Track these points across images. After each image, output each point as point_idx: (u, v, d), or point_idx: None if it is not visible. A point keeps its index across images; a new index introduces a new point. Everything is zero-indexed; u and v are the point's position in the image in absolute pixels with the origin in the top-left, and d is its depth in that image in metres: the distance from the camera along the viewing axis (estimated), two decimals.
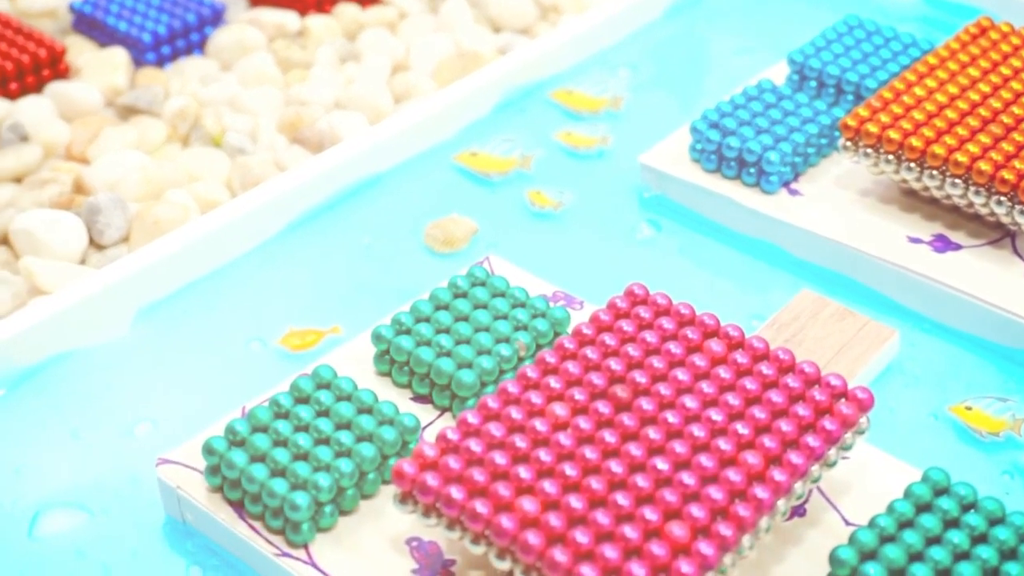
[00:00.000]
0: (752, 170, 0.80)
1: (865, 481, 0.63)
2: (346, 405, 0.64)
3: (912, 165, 0.75)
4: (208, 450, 0.62)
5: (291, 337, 0.74)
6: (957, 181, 0.74)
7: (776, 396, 0.60)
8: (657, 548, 0.53)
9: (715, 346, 0.62)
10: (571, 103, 0.92)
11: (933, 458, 0.64)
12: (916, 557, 0.57)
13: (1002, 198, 0.72)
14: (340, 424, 0.63)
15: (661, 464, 0.56)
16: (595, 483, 0.56)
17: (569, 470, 0.56)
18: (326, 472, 0.60)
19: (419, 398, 0.67)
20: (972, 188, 0.73)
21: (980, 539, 0.57)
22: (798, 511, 0.62)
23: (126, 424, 0.69)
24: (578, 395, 0.60)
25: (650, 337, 0.63)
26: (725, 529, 0.54)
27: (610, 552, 0.53)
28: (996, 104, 0.77)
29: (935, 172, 0.74)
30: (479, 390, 0.66)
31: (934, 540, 0.57)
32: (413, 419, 0.64)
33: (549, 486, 0.56)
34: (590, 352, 0.62)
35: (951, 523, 0.58)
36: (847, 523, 0.61)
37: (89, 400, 0.71)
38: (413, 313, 0.69)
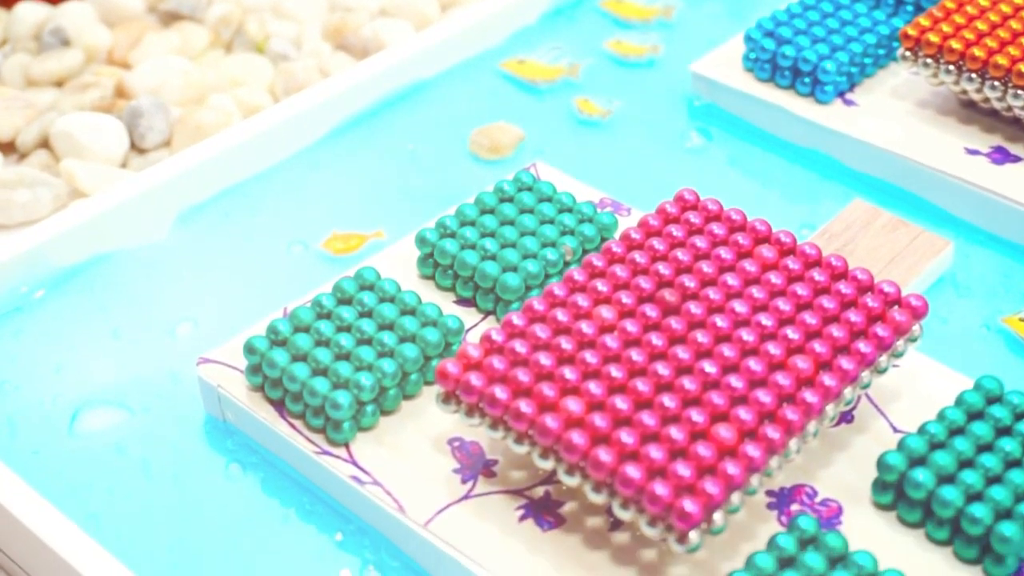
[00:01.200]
0: (807, 79, 0.78)
1: (915, 389, 0.62)
2: (389, 306, 0.63)
3: (973, 76, 0.73)
4: (249, 349, 0.61)
5: (334, 241, 0.74)
6: (1020, 92, 0.72)
7: (828, 302, 0.59)
8: (703, 449, 0.52)
9: (766, 252, 0.61)
10: (622, 12, 0.91)
11: (985, 369, 0.63)
12: (966, 464, 0.56)
13: None
14: (383, 325, 0.62)
15: (709, 367, 0.55)
16: (641, 385, 0.55)
17: (615, 371, 0.55)
18: (368, 372, 0.60)
19: (462, 301, 0.66)
20: None
21: None
22: (846, 417, 0.61)
23: (167, 324, 0.69)
24: (625, 298, 0.59)
25: (700, 242, 0.61)
26: (773, 432, 0.53)
27: (655, 452, 0.52)
28: None
29: (996, 83, 0.72)
30: (523, 294, 0.65)
31: (985, 448, 0.56)
32: (457, 321, 0.63)
33: (595, 387, 0.55)
34: (638, 256, 0.61)
35: (1003, 431, 0.57)
36: (895, 430, 0.60)
37: (130, 300, 0.70)
38: (458, 217, 0.68)
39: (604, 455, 0.53)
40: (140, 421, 0.64)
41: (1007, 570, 0.53)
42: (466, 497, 0.57)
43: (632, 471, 0.52)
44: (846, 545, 0.53)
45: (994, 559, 0.53)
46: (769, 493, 0.57)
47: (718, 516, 0.52)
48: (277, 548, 0.58)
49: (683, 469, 0.52)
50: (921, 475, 0.55)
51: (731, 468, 0.52)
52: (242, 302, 0.69)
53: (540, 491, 0.58)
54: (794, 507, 0.57)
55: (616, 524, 0.56)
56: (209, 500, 0.60)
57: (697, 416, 0.54)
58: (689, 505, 0.51)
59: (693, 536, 0.51)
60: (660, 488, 0.51)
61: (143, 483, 0.61)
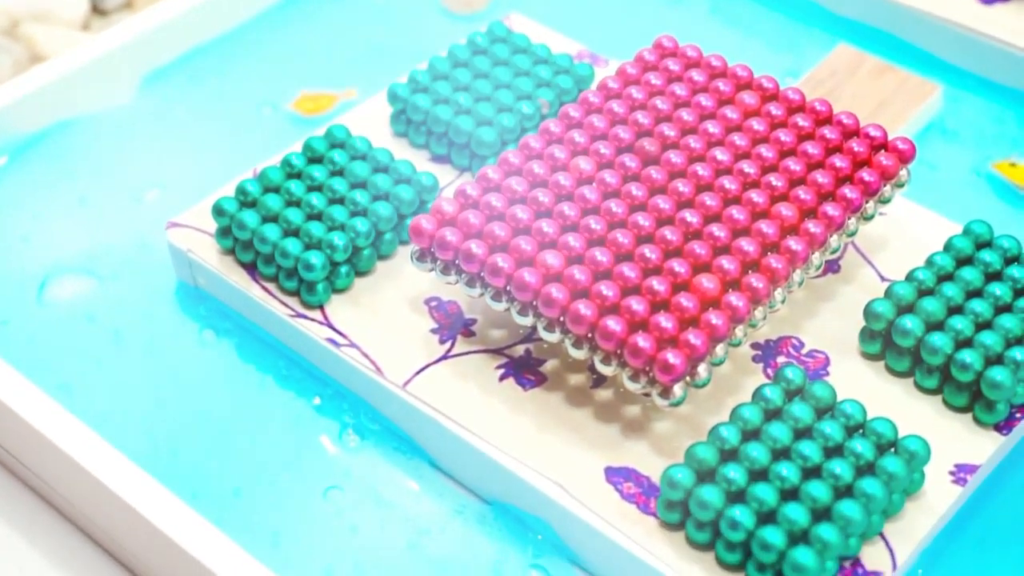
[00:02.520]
0: None
1: (903, 237, 0.60)
2: (361, 164, 0.61)
3: None
4: (218, 211, 0.59)
5: (304, 101, 0.71)
6: None
7: (812, 148, 0.57)
8: (686, 301, 0.51)
9: (748, 98, 0.59)
10: None
11: (974, 216, 0.61)
12: (955, 310, 0.54)
13: None
14: (355, 184, 0.60)
15: (690, 217, 0.54)
16: (621, 237, 0.53)
17: (594, 224, 0.54)
18: (341, 231, 0.58)
19: (437, 159, 0.64)
20: None
21: (1023, 292, 0.55)
22: (832, 267, 0.59)
23: (134, 190, 0.67)
24: (603, 149, 0.57)
25: (679, 90, 0.59)
26: (756, 282, 0.52)
27: (637, 305, 0.51)
28: None
29: None
30: (499, 149, 0.63)
31: (975, 293, 0.55)
32: (431, 178, 0.61)
33: (573, 240, 0.53)
34: (616, 106, 0.59)
35: (993, 276, 0.56)
36: (883, 279, 0.58)
37: (96, 166, 0.68)
38: (430, 71, 0.66)
39: (584, 309, 0.51)
40: (110, 289, 0.62)
41: (998, 416, 0.52)
42: (445, 357, 0.56)
43: (613, 324, 0.51)
44: (834, 395, 0.51)
45: (985, 406, 0.52)
46: (754, 346, 0.56)
47: (702, 368, 0.51)
48: (255, 414, 0.57)
49: (665, 321, 0.51)
50: (909, 322, 0.54)
51: (714, 319, 0.51)
52: (211, 166, 0.67)
53: (520, 350, 0.56)
54: (780, 359, 0.56)
55: (599, 381, 0.55)
56: (183, 368, 0.59)
57: (679, 267, 0.52)
58: (672, 357, 0.50)
59: (677, 389, 0.50)
60: (642, 341, 0.50)
61: (115, 352, 0.60)
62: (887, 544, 0.49)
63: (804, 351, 0.56)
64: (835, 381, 0.54)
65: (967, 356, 0.52)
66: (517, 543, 0.52)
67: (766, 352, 0.56)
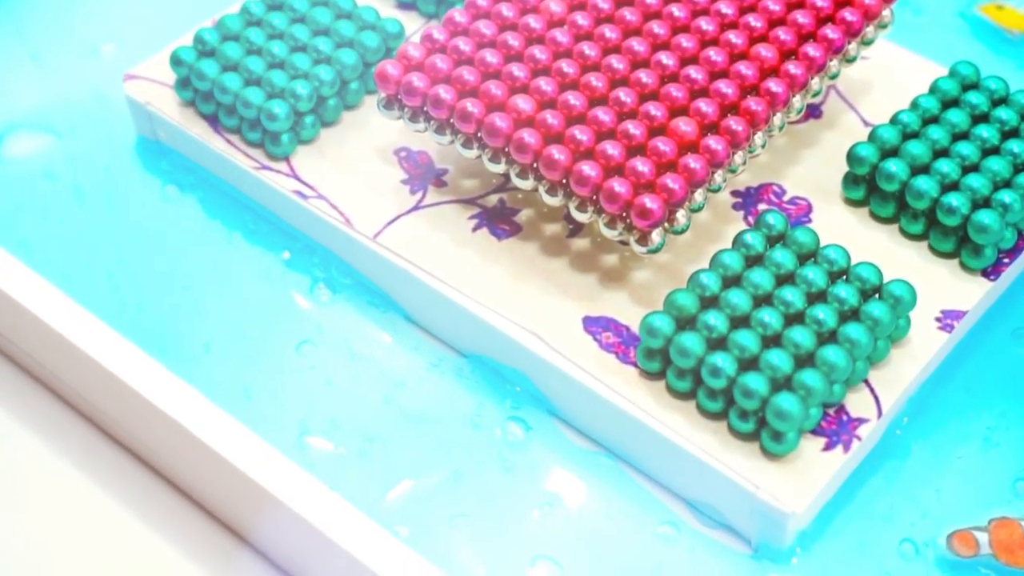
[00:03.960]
0: None
1: (887, 80, 0.58)
2: (323, 11, 0.58)
3: None
4: (176, 61, 0.57)
5: None
6: None
7: None
8: (663, 145, 0.49)
9: None
10: None
11: (960, 59, 0.59)
12: (941, 153, 0.53)
13: None
14: (317, 31, 0.58)
15: (666, 59, 0.52)
16: (595, 80, 0.51)
17: (567, 67, 0.51)
18: (304, 80, 0.56)
19: (403, 6, 0.62)
20: None
21: (1011, 134, 0.53)
22: (814, 112, 0.57)
23: (89, 44, 0.64)
24: None
25: None
26: (736, 125, 0.50)
27: (612, 150, 0.49)
28: None
29: None
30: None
31: (961, 136, 0.53)
32: (396, 24, 0.59)
33: (545, 84, 0.51)
34: None
35: (979, 118, 0.54)
36: (866, 124, 0.57)
37: (48, 21, 0.66)
38: None
39: (558, 154, 0.49)
40: (68, 145, 0.60)
41: (985, 262, 0.51)
42: (416, 208, 0.54)
43: (588, 169, 0.49)
44: (817, 240, 0.50)
45: (972, 251, 0.51)
46: (735, 193, 0.55)
47: (680, 214, 0.49)
48: (223, 270, 0.55)
49: (642, 165, 0.49)
50: (894, 166, 0.52)
51: (693, 163, 0.49)
52: (168, 18, 0.65)
53: (494, 199, 0.54)
54: (761, 207, 0.54)
55: (575, 230, 0.53)
56: (147, 224, 0.57)
57: (655, 111, 0.50)
58: (649, 202, 0.48)
59: (655, 235, 0.49)
60: (618, 185, 0.48)
61: (76, 209, 0.58)
62: (872, 391, 0.48)
63: (786, 198, 0.54)
64: (818, 228, 0.53)
65: (953, 199, 0.51)
66: (494, 395, 0.51)
67: (747, 200, 0.54)
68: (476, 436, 0.50)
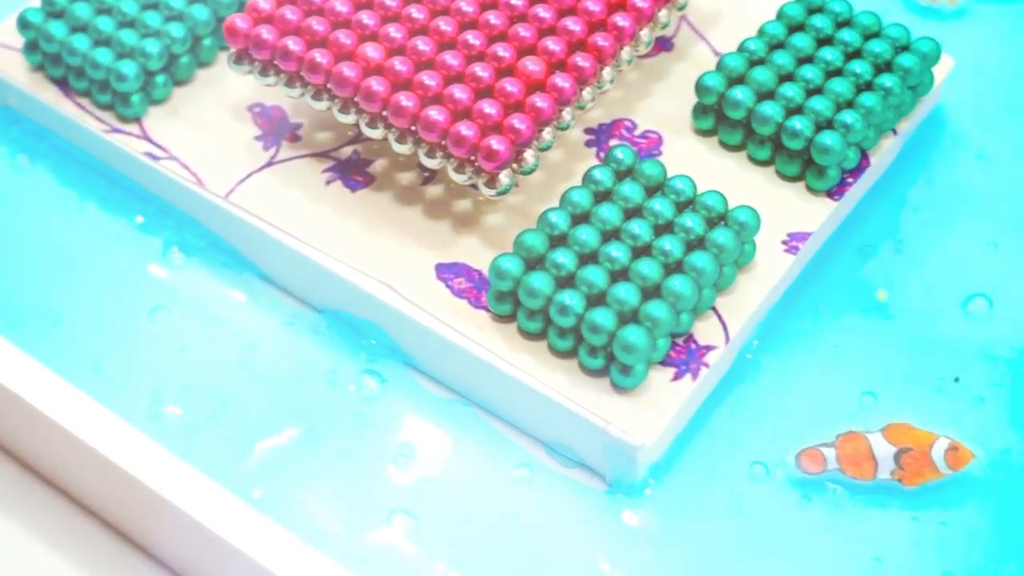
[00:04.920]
0: None
1: (737, 10, 0.58)
2: None
3: None
4: (24, 24, 0.56)
5: None
6: None
7: None
8: (510, 86, 0.49)
9: None
10: None
11: None
12: (787, 79, 0.53)
13: None
14: None
15: (515, 0, 0.52)
16: (444, 25, 0.51)
17: (416, 13, 0.51)
18: (155, 38, 0.55)
19: None
20: None
21: (854, 55, 0.54)
22: (665, 45, 0.58)
23: None
24: None
25: None
26: (583, 61, 0.50)
27: (460, 94, 0.49)
28: None
29: None
30: None
31: (806, 60, 0.54)
32: None
33: (394, 32, 0.51)
34: None
35: (824, 41, 0.54)
36: (716, 54, 0.57)
37: None
38: None
39: (405, 101, 0.49)
40: None
41: (829, 182, 0.52)
42: (269, 164, 0.54)
43: (435, 114, 0.49)
44: (664, 172, 0.50)
45: (816, 172, 0.52)
46: (587, 131, 0.55)
47: (528, 154, 0.49)
48: (74, 238, 0.54)
49: (489, 108, 0.49)
50: (740, 93, 0.52)
51: (539, 102, 0.49)
52: None
53: (348, 151, 0.54)
54: (613, 142, 0.54)
55: (430, 178, 0.53)
56: None
57: (503, 52, 0.50)
58: (496, 143, 0.48)
59: (503, 177, 0.49)
60: (465, 129, 0.49)
61: None
62: (719, 318, 0.49)
63: (637, 132, 0.55)
64: (669, 160, 0.53)
65: (797, 123, 0.51)
66: (350, 350, 0.51)
67: (599, 136, 0.55)
68: (331, 393, 0.50)
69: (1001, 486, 0.47)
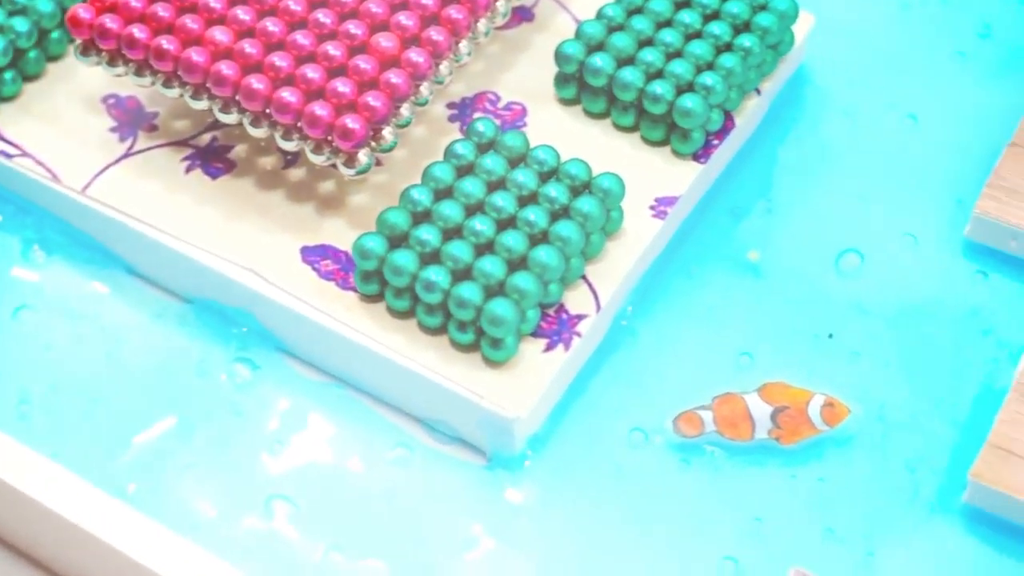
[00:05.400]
0: None
1: None
2: None
3: None
4: None
5: None
6: None
7: None
8: (364, 63, 0.48)
9: None
10: None
11: None
12: (646, 43, 0.53)
13: None
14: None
15: None
16: (293, 4, 0.50)
17: None
18: None
19: None
20: None
21: (713, 16, 0.53)
22: (525, 16, 0.57)
23: None
24: None
25: None
26: (437, 35, 0.50)
27: (312, 73, 0.48)
28: None
29: None
30: None
31: (665, 24, 0.53)
32: None
33: (243, 13, 0.50)
34: None
35: (682, 5, 0.54)
36: (577, 22, 0.56)
37: None
38: None
39: (256, 84, 0.48)
40: None
41: (694, 145, 0.52)
42: (126, 156, 0.53)
43: (288, 96, 0.48)
44: (526, 143, 0.50)
45: (680, 136, 0.51)
46: (450, 105, 0.54)
47: (387, 132, 0.48)
48: None
49: (342, 86, 0.48)
50: (600, 60, 0.52)
51: (394, 78, 0.48)
52: None
53: (207, 138, 0.53)
54: (477, 116, 0.54)
55: (292, 161, 0.52)
56: None
57: (355, 29, 0.49)
58: (351, 122, 0.47)
59: (361, 156, 0.48)
60: (319, 109, 0.48)
61: None
62: (590, 286, 0.48)
63: (501, 104, 0.54)
64: (534, 131, 0.53)
65: (658, 87, 0.51)
66: (220, 339, 0.50)
67: (462, 110, 0.54)
68: (203, 383, 0.49)
69: (877, 440, 0.48)
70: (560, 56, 0.53)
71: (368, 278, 0.48)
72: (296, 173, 0.52)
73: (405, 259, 0.47)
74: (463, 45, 0.51)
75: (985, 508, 0.45)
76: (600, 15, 0.54)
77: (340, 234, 0.50)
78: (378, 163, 0.51)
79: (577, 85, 0.53)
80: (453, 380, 0.46)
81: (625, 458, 0.47)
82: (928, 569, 0.45)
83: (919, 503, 0.46)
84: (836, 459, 0.47)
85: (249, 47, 0.49)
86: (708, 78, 0.51)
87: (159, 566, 0.43)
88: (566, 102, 0.54)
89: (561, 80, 0.53)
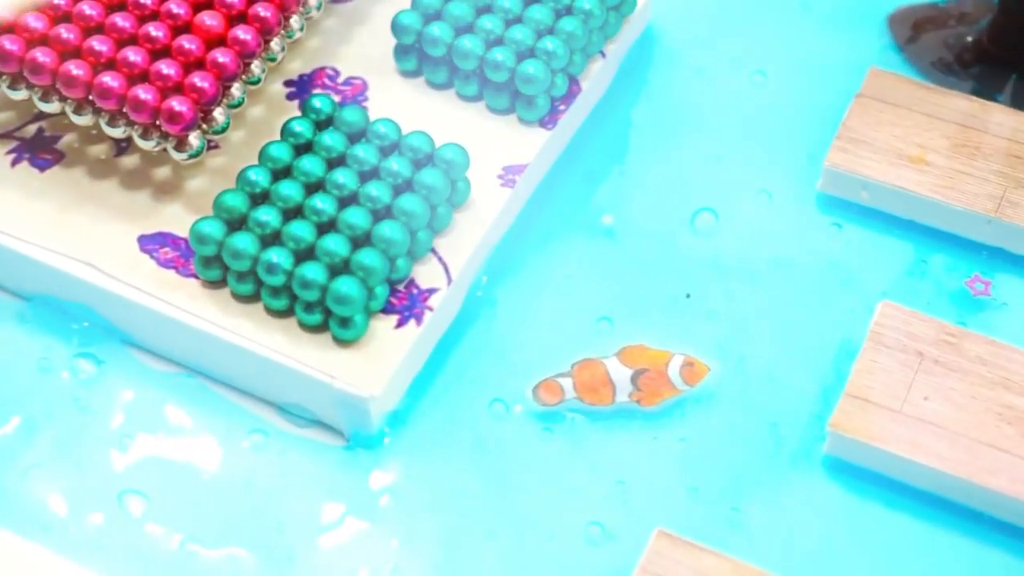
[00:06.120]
0: None
1: None
2: None
3: None
4: None
5: None
6: None
7: None
8: (188, 43, 0.47)
9: None
10: None
11: None
12: (484, 10, 0.51)
13: None
14: None
15: None
16: None
17: None
18: None
19: None
20: None
21: None
22: None
23: None
24: None
25: None
26: (264, 11, 0.48)
27: (134, 56, 0.47)
28: None
29: None
30: None
31: None
32: None
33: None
34: None
35: None
36: None
37: None
38: None
39: (76, 70, 0.46)
40: None
41: (540, 112, 0.51)
42: None
43: (110, 80, 0.46)
44: (365, 118, 0.49)
45: (525, 103, 0.50)
46: (288, 83, 0.52)
47: (218, 113, 0.47)
48: None
49: (167, 68, 0.46)
50: (437, 29, 0.51)
51: (221, 57, 0.47)
52: None
53: (32, 129, 0.51)
54: (317, 92, 0.52)
55: (124, 148, 0.50)
56: None
57: (178, 8, 0.48)
58: (177, 105, 0.46)
59: (192, 140, 0.46)
60: (143, 93, 0.46)
61: None
62: (440, 259, 0.47)
63: (341, 80, 0.53)
64: (375, 106, 0.51)
65: (498, 54, 0.50)
66: (60, 335, 0.48)
67: (300, 88, 0.52)
68: (45, 381, 0.47)
69: (738, 397, 0.47)
70: (397, 27, 0.51)
71: (208, 264, 0.46)
72: (129, 160, 0.50)
73: (244, 242, 0.45)
74: (294, 20, 0.49)
75: (845, 457, 0.45)
76: None
77: (178, 221, 0.48)
78: (215, 146, 0.50)
79: (417, 56, 0.52)
80: (303, 362, 0.45)
81: (487, 430, 0.46)
82: (792, 520, 0.44)
83: (782, 457, 0.46)
84: (698, 418, 0.47)
85: (66, 32, 0.47)
86: (549, 43, 0.50)
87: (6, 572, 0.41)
88: (408, 74, 0.52)
89: (400, 52, 0.52)
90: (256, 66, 0.48)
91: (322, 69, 0.53)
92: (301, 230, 0.45)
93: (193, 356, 0.47)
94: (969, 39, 0.56)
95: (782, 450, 0.46)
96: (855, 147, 0.52)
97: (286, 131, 0.48)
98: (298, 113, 0.51)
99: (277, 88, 0.52)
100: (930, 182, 0.51)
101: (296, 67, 0.53)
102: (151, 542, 0.44)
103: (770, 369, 0.48)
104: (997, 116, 0.53)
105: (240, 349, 0.45)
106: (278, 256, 0.45)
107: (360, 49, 0.53)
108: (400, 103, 0.52)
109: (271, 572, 0.43)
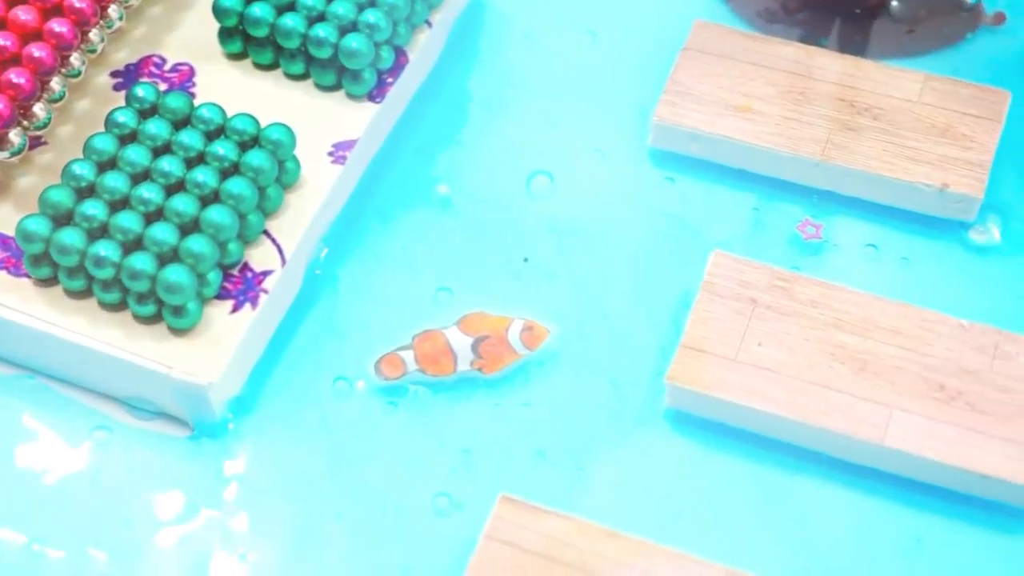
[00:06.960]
0: None
1: None
2: None
3: None
4: None
5: None
6: None
7: None
8: (2, 39, 0.46)
9: None
10: None
11: None
12: None
13: None
14: None
15: None
16: None
17: None
18: None
19: None
20: None
21: None
22: None
23: None
24: None
25: None
26: (79, 3, 0.48)
27: None
28: None
29: None
30: None
31: None
32: None
33: None
34: None
35: None
36: None
37: None
38: None
39: None
40: None
41: (367, 86, 0.51)
42: None
43: None
44: (190, 103, 0.48)
45: (351, 78, 0.50)
46: (114, 74, 0.52)
47: (39, 108, 0.46)
48: None
49: None
50: (259, 9, 0.50)
51: (37, 51, 0.46)
52: None
53: None
54: (142, 81, 0.52)
55: None
56: None
57: None
58: None
59: (13, 137, 0.46)
60: None
61: None
62: (273, 241, 0.47)
63: (167, 67, 0.52)
64: (203, 91, 0.51)
65: (320, 31, 0.50)
66: None
67: (127, 78, 0.52)
68: None
69: (580, 358, 0.48)
70: (218, 10, 0.51)
71: (38, 262, 0.46)
72: None
73: (71, 237, 0.45)
74: (112, 10, 0.49)
75: (686, 409, 0.46)
76: None
77: (7, 220, 0.48)
78: (43, 142, 0.49)
79: (242, 38, 0.52)
80: (139, 355, 0.45)
81: (331, 409, 0.46)
82: (637, 476, 0.45)
83: (625, 414, 0.47)
84: (540, 382, 0.47)
85: None
86: (371, 15, 0.50)
87: None
88: (234, 57, 0.52)
89: (225, 35, 0.52)
90: (76, 59, 0.47)
91: (148, 58, 0.52)
92: (128, 221, 0.45)
93: (30, 356, 0.47)
94: None
95: (625, 407, 0.47)
96: (682, 100, 0.52)
97: (110, 122, 0.48)
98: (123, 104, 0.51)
99: (103, 80, 0.52)
100: (757, 130, 0.52)
101: (122, 57, 0.52)
102: None
103: (611, 328, 0.48)
104: (821, 60, 0.54)
105: (77, 346, 0.45)
106: (106, 249, 0.44)
107: (186, 35, 0.53)
108: (228, 87, 0.51)
109: (119, 568, 0.43)
